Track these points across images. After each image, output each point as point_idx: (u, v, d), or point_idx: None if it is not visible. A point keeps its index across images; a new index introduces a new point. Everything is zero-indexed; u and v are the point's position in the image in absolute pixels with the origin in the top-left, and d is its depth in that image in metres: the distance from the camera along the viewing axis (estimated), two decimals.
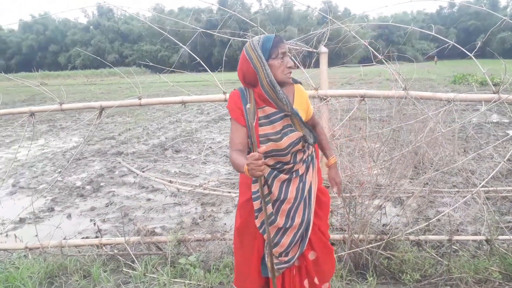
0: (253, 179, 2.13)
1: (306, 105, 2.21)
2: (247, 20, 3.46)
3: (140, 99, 2.93)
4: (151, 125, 12.31)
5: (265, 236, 2.18)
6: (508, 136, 6.24)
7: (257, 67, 2.00)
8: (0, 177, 6.99)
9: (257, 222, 2.20)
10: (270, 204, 2.16)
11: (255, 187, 2.15)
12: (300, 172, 2.18)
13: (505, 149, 5.18)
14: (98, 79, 45.06)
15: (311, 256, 2.30)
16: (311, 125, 2.30)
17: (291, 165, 2.15)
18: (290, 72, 2.06)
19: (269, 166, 2.15)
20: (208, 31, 3.38)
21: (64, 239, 3.36)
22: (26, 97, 22.11)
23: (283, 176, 2.14)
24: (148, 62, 3.29)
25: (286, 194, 2.15)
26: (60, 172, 7.31)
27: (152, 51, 69.24)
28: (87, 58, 67.82)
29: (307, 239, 2.23)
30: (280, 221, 2.17)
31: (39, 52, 77.43)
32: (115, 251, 3.11)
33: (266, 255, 2.19)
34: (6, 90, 28.47)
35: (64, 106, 3.00)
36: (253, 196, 2.16)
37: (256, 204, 2.16)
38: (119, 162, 7.41)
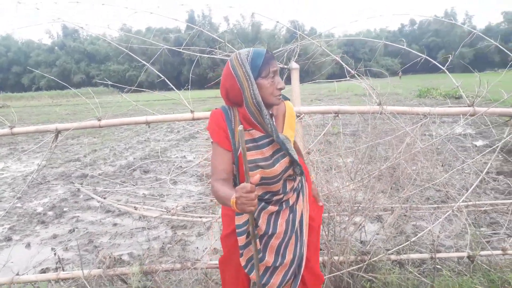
0: (236, 212, 1.87)
1: (294, 123, 1.98)
2: (215, 36, 3.33)
3: (99, 120, 2.71)
4: (118, 145, 11.91)
5: (251, 275, 1.91)
6: (488, 150, 6.32)
7: (244, 85, 1.74)
8: None
9: (242, 261, 1.91)
10: (258, 239, 1.87)
11: (239, 220, 1.88)
12: (291, 202, 1.94)
13: (476, 161, 5.21)
14: (64, 100, 43.93)
15: None
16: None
17: (281, 195, 1.90)
18: (280, 94, 1.80)
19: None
20: (175, 48, 3.22)
21: (17, 274, 3.02)
22: None
23: (271, 208, 1.88)
24: (107, 82, 3.08)
25: (275, 228, 1.88)
26: (19, 197, 6.87)
27: (120, 71, 68.46)
28: (52, 79, 66.16)
29: (300, 277, 1.98)
30: (269, 258, 1.90)
31: (0, 73, 75.08)
32: (73, 287, 2.81)
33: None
34: None
35: (15, 130, 2.73)
36: (237, 231, 1.89)
37: (241, 240, 1.87)
38: (78, 189, 7.03)
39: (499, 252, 3.02)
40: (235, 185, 1.88)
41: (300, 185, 2.01)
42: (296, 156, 1.85)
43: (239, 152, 1.80)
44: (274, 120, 1.88)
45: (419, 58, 3.07)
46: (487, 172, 2.75)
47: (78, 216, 5.79)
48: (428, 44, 78.47)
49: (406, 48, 3.17)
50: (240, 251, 1.89)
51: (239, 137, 1.70)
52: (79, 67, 73.56)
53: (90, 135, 14.25)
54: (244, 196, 1.48)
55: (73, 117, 22.00)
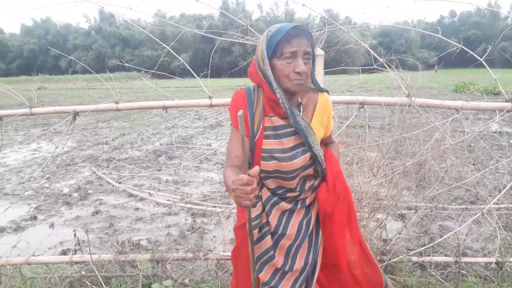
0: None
1: (327, 121, 1.76)
2: (243, 23, 3.22)
3: (117, 103, 2.68)
4: (146, 130, 12.05)
5: (260, 275, 1.77)
6: None
7: (260, 64, 1.60)
8: None
9: (251, 271, 1.77)
10: (269, 236, 1.74)
11: (252, 212, 1.71)
12: (307, 202, 1.77)
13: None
14: (98, 83, 44.91)
15: None
16: (325, 143, 1.88)
17: (297, 193, 1.74)
18: (299, 79, 1.56)
19: (269, 189, 1.74)
20: (208, 35, 3.14)
21: (33, 255, 3.05)
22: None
23: (284, 205, 1.72)
24: (137, 67, 3.04)
25: (285, 229, 1.73)
26: (48, 177, 7.05)
27: (153, 57, 69.28)
28: (88, 63, 67.94)
29: (313, 285, 1.82)
30: (279, 260, 1.75)
31: (40, 56, 77.70)
32: (83, 272, 2.79)
33: None
34: (4, 94, 28.31)
35: (35, 110, 2.74)
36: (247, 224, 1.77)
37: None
38: (94, 172, 7.13)
39: None
40: None
41: (319, 185, 1.81)
42: (319, 152, 1.67)
43: (256, 138, 1.65)
44: (302, 109, 1.69)
45: (454, 48, 2.86)
46: None
47: (102, 199, 5.87)
48: (468, 37, 75.35)
49: (441, 37, 2.96)
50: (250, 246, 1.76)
51: (251, 121, 1.60)
52: (114, 52, 75.03)
53: (120, 119, 14.49)
54: (240, 189, 1.34)
55: (105, 100, 22.46)
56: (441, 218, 3.99)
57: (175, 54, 2.83)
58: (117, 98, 2.66)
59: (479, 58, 2.63)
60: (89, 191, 6.27)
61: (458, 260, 2.74)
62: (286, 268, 1.74)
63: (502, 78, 2.56)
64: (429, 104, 2.55)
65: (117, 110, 2.70)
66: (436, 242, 2.71)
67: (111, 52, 74.74)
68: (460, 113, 2.53)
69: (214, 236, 4.31)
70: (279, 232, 1.73)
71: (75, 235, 3.93)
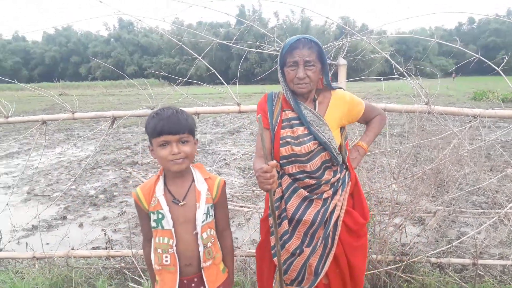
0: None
1: (342, 111, 2.04)
2: (264, 31, 3.40)
3: (152, 109, 2.88)
4: None
5: (275, 259, 2.01)
6: None
7: (278, 70, 2.01)
8: (15, 184, 7.04)
9: (272, 240, 2.03)
10: (287, 221, 2.00)
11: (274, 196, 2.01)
12: (325, 196, 1.99)
13: None
14: (117, 90, 45.75)
15: None
16: (365, 122, 2.20)
17: (316, 180, 1.97)
18: (300, 83, 1.91)
19: (290, 175, 2.00)
20: (224, 42, 3.32)
21: (72, 249, 3.29)
22: (46, 106, 22.54)
23: (303, 192, 1.97)
24: (162, 72, 3.24)
25: (302, 215, 1.97)
26: (74, 180, 7.33)
27: (171, 64, 70.19)
28: (107, 70, 69.15)
29: (326, 267, 2.02)
30: (296, 241, 2.00)
31: (61, 63, 79.61)
32: (122, 264, 3.01)
33: (275, 282, 2.04)
34: (28, 100, 29.14)
35: (76, 115, 2.96)
36: (269, 212, 1.99)
37: (271, 221, 1.99)
38: (130, 173, 7.37)
39: None
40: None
41: (340, 182, 2.04)
42: (325, 139, 1.93)
43: (275, 129, 1.99)
44: (317, 105, 2.03)
45: (472, 58, 2.98)
46: None
47: (127, 201, 6.09)
48: (487, 45, 74.29)
49: (459, 47, 3.08)
50: (271, 229, 2.02)
51: (271, 117, 2.00)
52: (132, 59, 76.29)
53: (142, 124, 14.79)
54: (261, 175, 1.66)
55: (125, 106, 22.94)
56: (459, 224, 4.08)
57: (205, 63, 3.02)
58: (152, 105, 2.85)
59: (495, 68, 2.75)
60: (115, 193, 6.51)
61: (476, 262, 2.84)
62: (302, 248, 1.99)
63: None
64: (447, 111, 2.67)
65: None
66: (454, 244, 2.82)
67: (130, 59, 76.00)
68: (478, 120, 2.65)
69: (236, 238, 4.46)
70: (296, 217, 1.98)
71: (105, 233, 4.15)
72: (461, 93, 23.81)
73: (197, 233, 1.70)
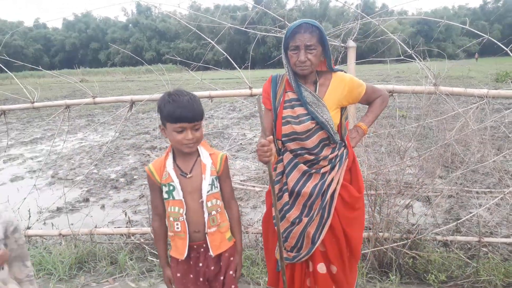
0: (274, 166, 2.19)
1: (342, 92, 2.13)
2: (279, 18, 3.45)
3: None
4: None
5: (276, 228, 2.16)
6: None
7: (282, 53, 2.10)
8: (40, 168, 7.35)
9: (274, 210, 2.17)
10: (287, 193, 2.16)
11: (275, 175, 2.20)
12: (323, 171, 2.14)
13: None
14: (136, 76, 46.18)
15: (320, 269, 2.20)
16: (367, 103, 2.30)
17: (315, 155, 2.11)
18: (302, 66, 2.02)
19: (291, 152, 2.14)
20: (238, 27, 3.40)
21: (95, 227, 3.51)
22: (67, 92, 23.07)
23: (303, 167, 2.12)
24: (176, 57, 3.35)
25: (301, 188, 2.12)
26: (96, 164, 7.59)
27: (188, 49, 70.24)
28: (126, 56, 69.77)
29: (322, 236, 2.16)
30: (296, 212, 2.16)
31: (81, 49, 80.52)
32: (142, 240, 3.21)
33: (277, 249, 2.20)
34: (50, 86, 29.83)
35: (97, 99, 3.11)
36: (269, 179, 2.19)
37: (275, 189, 2.15)
38: (148, 155, 7.58)
39: None
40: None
41: (337, 159, 2.16)
42: (322, 119, 2.05)
43: (278, 109, 2.14)
44: (318, 87, 2.14)
45: (481, 38, 2.99)
46: None
47: (146, 184, 6.29)
48: None
49: (469, 28, 3.08)
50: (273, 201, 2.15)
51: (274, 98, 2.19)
52: (150, 45, 76.59)
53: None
54: (260, 149, 1.85)
55: (143, 92, 23.23)
56: (468, 205, 4.13)
57: (219, 48, 3.11)
58: (169, 89, 2.97)
59: (504, 48, 2.76)
60: (135, 177, 6.75)
61: (480, 239, 2.92)
62: (302, 217, 2.15)
63: None
64: (453, 92, 2.72)
65: None
66: (459, 221, 2.89)
67: (148, 45, 76.34)
68: (484, 101, 2.69)
69: (251, 218, 4.62)
70: (296, 190, 2.13)
71: (126, 214, 4.35)
72: (484, 75, 23.19)
73: (202, 201, 1.87)
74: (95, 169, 7.31)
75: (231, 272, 1.98)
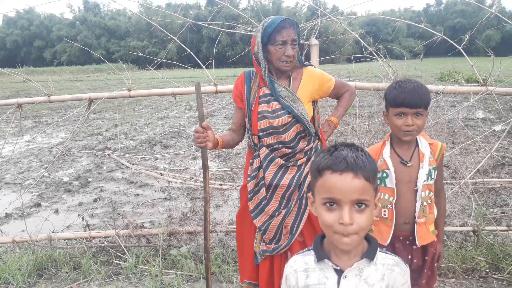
0: (250, 162, 2.21)
1: (313, 86, 2.19)
2: (239, 11, 3.44)
3: (129, 90, 2.91)
4: (139, 121, 12.20)
5: (255, 220, 2.19)
6: (497, 129, 6.35)
7: (255, 47, 2.09)
8: None
9: (251, 205, 2.20)
10: (265, 188, 2.17)
11: (250, 170, 2.20)
12: (299, 163, 2.17)
13: (491, 145, 5.26)
14: (85, 75, 44.41)
15: None
16: (336, 97, 2.35)
17: (291, 149, 2.14)
18: (288, 62, 2.05)
19: (268, 146, 2.16)
20: (198, 22, 3.35)
21: (53, 232, 3.32)
22: (10, 93, 21.70)
23: (279, 161, 2.14)
24: (139, 53, 3.25)
25: (279, 181, 2.15)
26: (46, 167, 7.21)
27: (139, 47, 68.38)
28: (73, 54, 66.91)
29: (301, 226, 2.18)
30: (274, 204, 2.17)
31: (23, 47, 76.13)
32: (106, 243, 3.08)
33: (256, 241, 2.21)
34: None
35: (53, 97, 2.95)
36: (248, 179, 2.21)
37: (250, 186, 2.18)
38: (108, 155, 7.33)
39: (504, 228, 3.13)
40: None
41: (313, 151, 2.21)
42: (298, 113, 2.08)
43: (253, 106, 2.16)
44: (291, 82, 2.18)
45: (436, 38, 3.14)
46: (503, 156, 2.85)
47: (102, 186, 6.08)
48: (453, 26, 76.04)
49: (425, 27, 3.23)
50: (249, 196, 2.19)
51: (247, 94, 2.22)
52: (100, 43, 73.76)
53: (111, 110, 14.56)
54: (194, 135, 1.98)
55: (94, 92, 22.40)
56: None
57: (183, 45, 3.05)
58: (129, 86, 2.88)
59: (457, 46, 2.92)
60: (89, 179, 6.48)
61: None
62: (280, 210, 2.16)
63: (482, 66, 2.85)
64: None
65: (130, 97, 2.92)
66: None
67: (97, 43, 73.57)
68: (440, 96, 2.83)
69: (215, 218, 4.57)
70: (274, 183, 2.15)
71: (83, 218, 4.17)
72: (429, 74, 24.37)
73: (416, 190, 1.84)
74: (46, 173, 6.95)
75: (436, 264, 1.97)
